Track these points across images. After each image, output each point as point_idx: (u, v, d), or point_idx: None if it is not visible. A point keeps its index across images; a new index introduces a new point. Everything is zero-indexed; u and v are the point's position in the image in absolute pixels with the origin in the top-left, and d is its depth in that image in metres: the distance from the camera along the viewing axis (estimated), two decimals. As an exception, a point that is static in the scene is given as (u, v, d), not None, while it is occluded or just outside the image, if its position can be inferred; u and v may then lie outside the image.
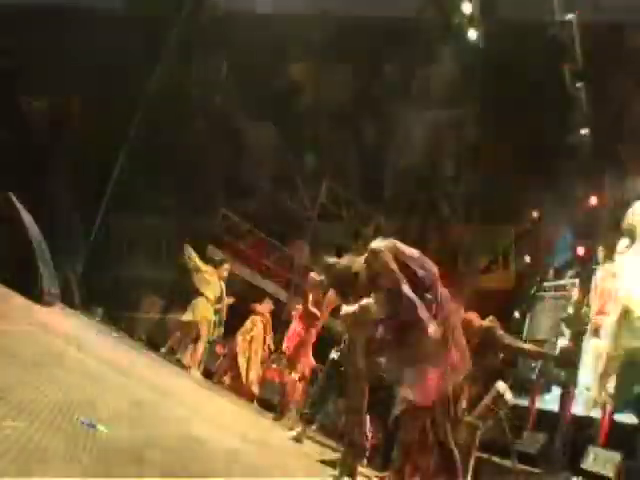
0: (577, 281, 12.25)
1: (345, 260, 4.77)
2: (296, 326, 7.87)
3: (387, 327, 3.34)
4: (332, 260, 4.54)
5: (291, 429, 6.08)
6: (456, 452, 4.03)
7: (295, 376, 8.07)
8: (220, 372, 10.08)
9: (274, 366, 9.42)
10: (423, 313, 3.21)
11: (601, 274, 11.50)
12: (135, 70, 10.90)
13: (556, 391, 10.87)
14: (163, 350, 9.02)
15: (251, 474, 2.21)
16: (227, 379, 9.92)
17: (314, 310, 7.88)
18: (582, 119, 12.45)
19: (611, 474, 7.02)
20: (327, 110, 13.51)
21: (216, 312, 9.54)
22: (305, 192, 15.24)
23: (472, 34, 12.64)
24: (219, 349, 10.79)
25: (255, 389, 9.21)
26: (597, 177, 12.59)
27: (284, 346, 7.88)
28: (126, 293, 12.09)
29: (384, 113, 13.18)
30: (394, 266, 3.22)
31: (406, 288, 3.20)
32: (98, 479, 1.17)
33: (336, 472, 3.27)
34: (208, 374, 10.10)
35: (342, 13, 12.22)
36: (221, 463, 2.10)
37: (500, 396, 5.24)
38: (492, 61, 12.26)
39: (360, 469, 5.31)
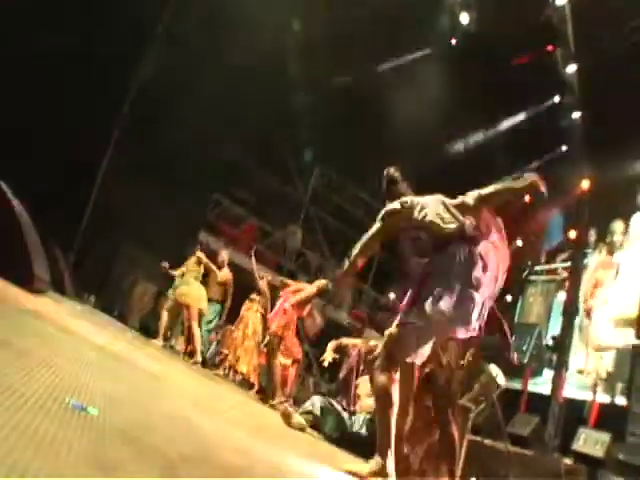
0: (569, 265, 12.33)
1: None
2: (286, 308, 7.93)
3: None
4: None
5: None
6: (456, 436, 4.07)
7: (287, 361, 8.13)
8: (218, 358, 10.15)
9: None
10: None
11: (593, 259, 11.57)
12: (124, 54, 10.82)
13: (548, 374, 10.97)
14: (158, 335, 9.04)
15: (243, 457, 2.22)
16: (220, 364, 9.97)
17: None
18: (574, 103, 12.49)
19: (601, 454, 7.12)
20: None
21: (211, 300, 9.60)
22: (298, 176, 15.25)
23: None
24: (213, 337, 10.84)
25: (243, 369, 9.21)
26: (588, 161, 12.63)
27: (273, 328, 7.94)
28: (118, 280, 12.08)
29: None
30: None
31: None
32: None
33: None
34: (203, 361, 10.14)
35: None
36: (213, 446, 2.10)
37: (492, 379, 5.28)
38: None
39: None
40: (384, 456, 3.24)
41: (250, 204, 14.62)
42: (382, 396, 3.33)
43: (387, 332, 3.46)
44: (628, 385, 8.81)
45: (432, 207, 3.58)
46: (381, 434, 3.31)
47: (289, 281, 8.65)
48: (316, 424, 6.09)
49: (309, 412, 6.36)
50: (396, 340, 3.37)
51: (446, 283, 3.30)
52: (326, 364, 7.34)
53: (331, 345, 7.45)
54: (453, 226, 3.44)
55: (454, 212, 3.53)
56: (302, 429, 5.33)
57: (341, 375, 7.75)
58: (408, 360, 3.43)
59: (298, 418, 5.44)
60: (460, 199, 3.61)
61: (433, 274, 3.39)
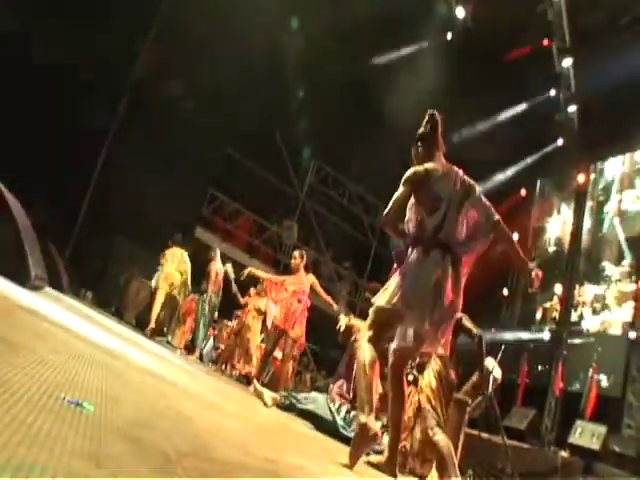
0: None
1: None
2: (299, 308, 7.94)
3: None
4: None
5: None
6: (446, 445, 4.08)
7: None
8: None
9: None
10: None
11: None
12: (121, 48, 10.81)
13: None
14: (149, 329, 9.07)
15: (240, 452, 2.23)
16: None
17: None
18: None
19: (597, 447, 7.15)
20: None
21: (203, 292, 9.68)
22: (294, 171, 15.24)
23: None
24: (210, 332, 10.85)
25: (241, 364, 9.24)
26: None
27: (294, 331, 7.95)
28: (115, 276, 12.07)
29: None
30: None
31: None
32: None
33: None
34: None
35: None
36: (210, 442, 2.11)
37: (489, 373, 5.30)
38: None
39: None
40: (365, 413, 3.29)
41: (246, 199, 14.60)
42: (366, 365, 3.41)
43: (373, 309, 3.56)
44: (623, 377, 8.87)
45: (447, 183, 3.58)
46: (363, 393, 3.36)
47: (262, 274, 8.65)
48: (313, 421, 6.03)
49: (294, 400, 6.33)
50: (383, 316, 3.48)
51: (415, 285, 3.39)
52: (342, 329, 7.42)
53: (343, 318, 7.51)
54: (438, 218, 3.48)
55: (459, 186, 3.58)
56: (265, 404, 5.79)
57: (344, 361, 7.70)
58: (397, 346, 3.52)
59: (266, 396, 5.92)
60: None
61: (408, 273, 3.45)
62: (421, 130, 3.77)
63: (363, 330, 3.66)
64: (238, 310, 10.07)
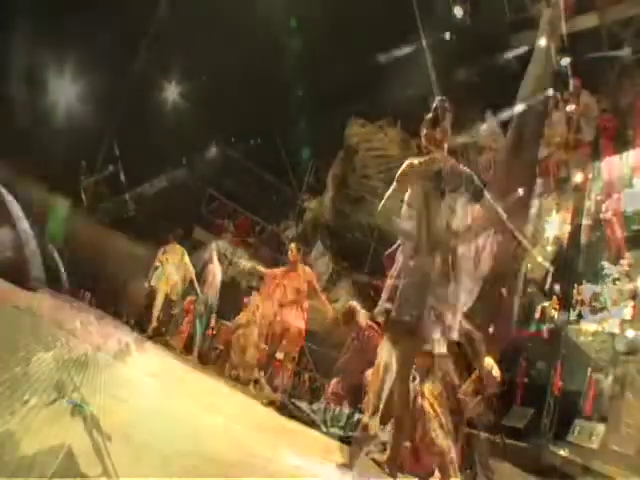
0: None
1: None
2: (299, 314, 7.89)
3: None
4: None
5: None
6: (444, 444, 4.08)
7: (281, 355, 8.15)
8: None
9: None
10: None
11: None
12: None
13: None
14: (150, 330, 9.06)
15: (238, 451, 2.23)
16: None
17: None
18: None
19: (595, 445, 7.14)
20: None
21: (200, 293, 9.67)
22: (293, 171, 15.24)
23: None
24: (209, 332, 10.83)
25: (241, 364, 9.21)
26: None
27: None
28: (113, 277, 12.05)
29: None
30: None
31: None
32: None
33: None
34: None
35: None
36: (208, 442, 2.11)
37: (488, 372, 5.30)
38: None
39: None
40: (369, 413, 3.30)
41: (245, 199, 14.58)
42: (381, 366, 3.42)
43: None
44: (622, 376, 8.85)
45: (441, 176, 3.51)
46: (372, 394, 3.37)
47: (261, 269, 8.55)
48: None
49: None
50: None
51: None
52: (346, 311, 7.30)
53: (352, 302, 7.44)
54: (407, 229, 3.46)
55: (458, 180, 3.50)
56: (264, 404, 5.86)
57: (344, 355, 7.60)
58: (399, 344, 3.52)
59: (265, 396, 6.13)
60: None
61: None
62: (427, 117, 3.68)
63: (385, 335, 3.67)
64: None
